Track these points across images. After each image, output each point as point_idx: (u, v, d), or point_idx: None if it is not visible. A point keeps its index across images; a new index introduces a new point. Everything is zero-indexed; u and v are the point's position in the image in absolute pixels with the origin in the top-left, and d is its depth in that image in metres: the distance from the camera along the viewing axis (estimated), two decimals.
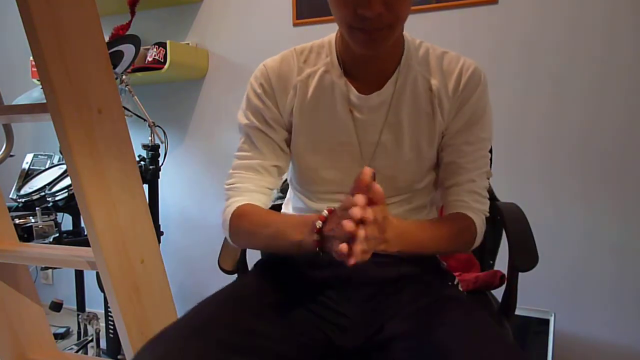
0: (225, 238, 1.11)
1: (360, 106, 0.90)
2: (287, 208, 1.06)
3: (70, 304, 2.21)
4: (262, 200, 0.93)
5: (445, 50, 0.93)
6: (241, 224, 0.89)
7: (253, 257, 1.11)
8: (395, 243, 0.75)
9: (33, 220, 1.73)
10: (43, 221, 1.73)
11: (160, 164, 1.91)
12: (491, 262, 1.21)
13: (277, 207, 1.12)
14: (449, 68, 0.90)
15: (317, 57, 0.93)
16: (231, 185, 0.94)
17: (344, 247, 0.64)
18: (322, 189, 0.96)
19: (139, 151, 1.61)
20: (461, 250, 0.93)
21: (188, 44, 2.27)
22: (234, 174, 0.94)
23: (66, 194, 1.80)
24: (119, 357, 2.00)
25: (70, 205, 1.82)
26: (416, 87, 0.90)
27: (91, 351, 1.95)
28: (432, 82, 0.90)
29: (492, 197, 1.20)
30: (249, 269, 1.07)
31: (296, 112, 0.93)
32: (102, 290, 1.68)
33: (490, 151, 1.21)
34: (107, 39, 1.92)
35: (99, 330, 1.89)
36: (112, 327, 1.99)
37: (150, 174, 1.87)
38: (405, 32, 0.91)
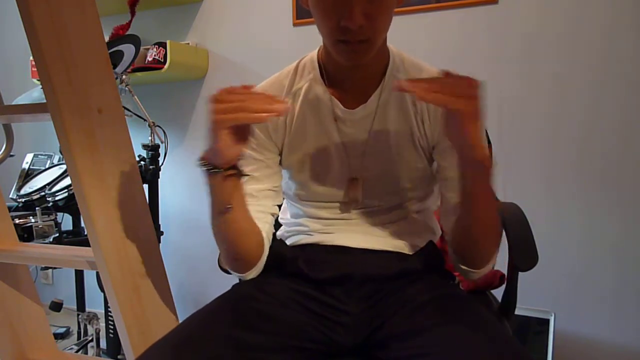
0: None
1: (346, 119, 0.91)
2: (285, 215, 1.06)
3: (70, 304, 2.21)
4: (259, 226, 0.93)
5: (435, 68, 0.93)
6: None
7: None
8: (485, 147, 0.74)
9: (33, 220, 1.73)
10: (43, 221, 1.73)
11: (160, 164, 1.91)
12: None
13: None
14: None
15: (301, 75, 0.95)
16: None
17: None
18: (314, 200, 0.97)
19: (139, 151, 1.61)
20: (494, 242, 0.86)
21: (188, 44, 2.27)
22: None
23: (66, 194, 1.80)
24: (119, 357, 1.99)
25: (70, 205, 1.82)
26: (401, 98, 0.91)
27: (91, 351, 1.95)
28: None
29: None
30: None
31: (285, 132, 0.94)
32: (102, 290, 1.68)
33: (490, 150, 1.21)
34: (107, 39, 1.92)
35: (99, 330, 1.89)
36: (112, 327, 1.99)
37: (150, 174, 1.86)
38: (390, 45, 0.93)
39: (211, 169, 0.80)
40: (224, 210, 0.84)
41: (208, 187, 0.83)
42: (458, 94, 0.70)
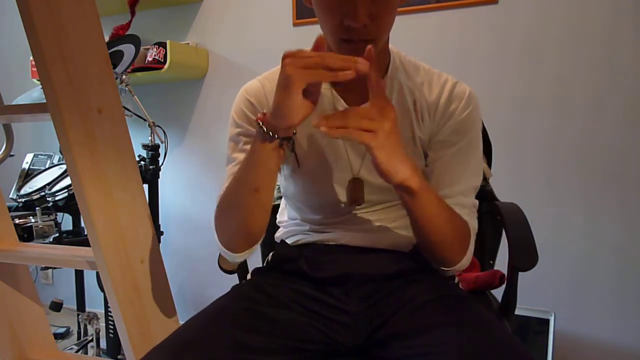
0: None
1: None
2: (283, 216, 1.06)
3: (70, 304, 2.21)
4: None
5: (434, 69, 0.95)
6: (220, 199, 0.90)
7: (253, 259, 1.11)
8: (409, 167, 0.75)
9: (33, 220, 1.73)
10: (43, 221, 1.73)
11: (160, 163, 1.91)
12: (491, 262, 1.21)
13: (275, 207, 1.12)
14: (434, 86, 0.92)
15: None
16: (219, 193, 0.93)
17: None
18: (315, 202, 0.97)
19: (139, 151, 1.61)
20: (454, 245, 0.87)
21: (188, 44, 2.27)
22: (223, 184, 0.94)
23: (66, 194, 1.80)
24: (119, 357, 2.00)
25: (70, 205, 1.82)
26: (402, 98, 0.91)
27: (91, 351, 1.95)
28: (415, 94, 0.92)
29: (492, 197, 1.20)
30: (249, 269, 1.07)
31: None
32: (102, 290, 1.68)
33: (490, 150, 1.21)
34: (107, 39, 1.92)
35: (99, 330, 1.89)
36: (112, 327, 1.99)
37: (150, 174, 1.87)
38: (390, 45, 0.93)
39: (269, 133, 0.77)
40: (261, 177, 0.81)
41: (253, 153, 0.80)
42: (364, 127, 0.70)
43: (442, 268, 0.89)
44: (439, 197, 0.84)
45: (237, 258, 0.92)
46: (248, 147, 0.91)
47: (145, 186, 1.85)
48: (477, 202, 0.93)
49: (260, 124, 0.78)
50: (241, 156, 0.92)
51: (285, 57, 0.71)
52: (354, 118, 0.70)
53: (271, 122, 0.77)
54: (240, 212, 0.86)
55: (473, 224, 0.91)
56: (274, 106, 0.75)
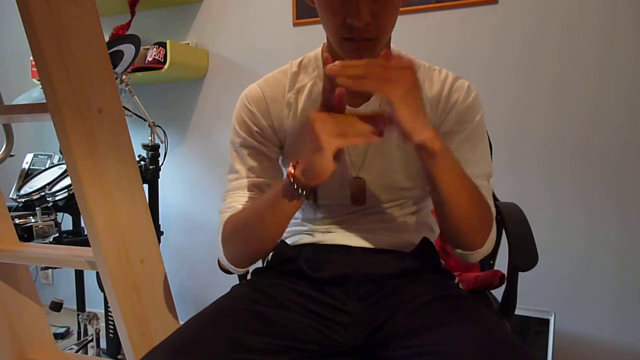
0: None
1: None
2: None
3: (70, 304, 2.21)
4: None
5: (434, 66, 0.95)
6: (232, 223, 0.91)
7: None
8: (431, 129, 0.74)
9: (33, 220, 1.73)
10: (43, 221, 1.73)
11: (160, 163, 1.91)
12: (491, 262, 1.22)
13: None
14: (435, 81, 0.92)
15: (305, 72, 0.95)
16: (223, 207, 0.95)
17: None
18: (314, 199, 0.96)
19: (139, 151, 1.61)
20: (478, 223, 0.86)
21: (188, 44, 2.27)
22: (227, 197, 0.96)
23: (66, 194, 1.80)
24: (119, 357, 2.00)
25: (70, 205, 1.82)
26: None
27: (91, 351, 1.95)
28: None
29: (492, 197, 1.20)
30: (249, 269, 1.07)
31: (288, 128, 0.94)
32: (102, 290, 1.68)
33: (490, 150, 1.21)
34: (107, 39, 1.92)
35: (99, 330, 1.89)
36: (112, 327, 1.99)
37: (150, 174, 1.87)
38: (392, 44, 0.93)
39: (299, 189, 0.80)
40: (283, 217, 0.85)
41: (277, 203, 0.83)
42: (385, 79, 0.70)
43: (465, 252, 0.88)
44: (462, 167, 0.82)
45: (242, 271, 0.96)
46: (250, 159, 0.95)
47: (145, 186, 1.85)
48: (491, 188, 0.93)
49: (292, 180, 0.80)
50: (244, 169, 0.95)
51: (314, 121, 0.73)
52: (372, 67, 0.70)
53: (302, 180, 0.79)
54: (252, 244, 0.91)
55: (492, 207, 0.90)
56: (305, 167, 0.77)
